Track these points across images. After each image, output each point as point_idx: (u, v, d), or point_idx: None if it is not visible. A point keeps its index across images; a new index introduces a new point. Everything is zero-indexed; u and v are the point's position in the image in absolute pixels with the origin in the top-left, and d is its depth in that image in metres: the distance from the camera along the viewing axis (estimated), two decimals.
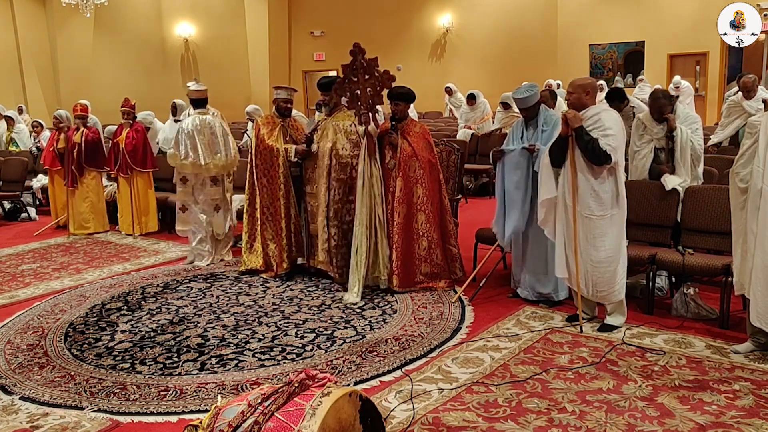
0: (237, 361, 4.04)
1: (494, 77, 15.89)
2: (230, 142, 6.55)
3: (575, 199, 4.20)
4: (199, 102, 6.53)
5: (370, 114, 5.15)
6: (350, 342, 4.29)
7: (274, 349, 4.21)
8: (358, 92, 5.11)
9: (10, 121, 10.97)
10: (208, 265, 6.34)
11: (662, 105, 4.93)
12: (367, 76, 5.10)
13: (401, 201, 5.17)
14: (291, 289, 5.45)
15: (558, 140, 4.26)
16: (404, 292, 5.19)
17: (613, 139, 4.08)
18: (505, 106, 9.91)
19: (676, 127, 4.87)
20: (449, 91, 13.38)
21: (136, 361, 4.09)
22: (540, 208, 4.46)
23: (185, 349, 4.25)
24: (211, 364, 4.01)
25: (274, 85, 7.03)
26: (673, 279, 4.96)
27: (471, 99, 10.76)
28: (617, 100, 5.97)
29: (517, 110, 8.64)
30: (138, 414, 3.43)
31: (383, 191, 5.19)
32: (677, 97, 5.58)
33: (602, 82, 14.67)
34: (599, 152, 4.05)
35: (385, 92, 5.17)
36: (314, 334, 4.44)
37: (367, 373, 3.80)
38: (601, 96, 13.05)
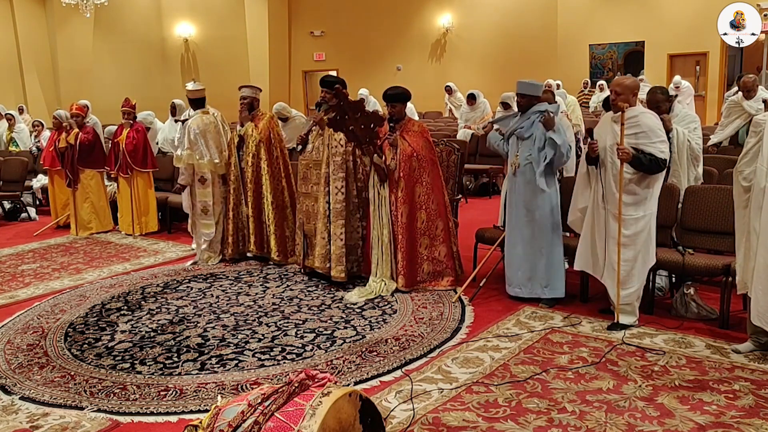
0: (237, 361, 4.04)
1: (494, 77, 15.88)
2: None
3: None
4: (197, 102, 6.53)
5: (371, 147, 5.14)
6: (350, 342, 4.29)
7: (274, 349, 4.21)
8: (353, 128, 5.08)
9: (11, 120, 10.96)
10: (216, 264, 6.37)
11: (659, 100, 4.92)
12: (358, 114, 5.05)
13: (403, 201, 5.18)
14: (291, 289, 5.45)
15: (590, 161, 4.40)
16: (409, 291, 5.20)
17: (663, 143, 4.18)
18: (505, 106, 9.86)
19: (672, 128, 4.86)
20: (449, 90, 13.36)
21: (136, 361, 4.09)
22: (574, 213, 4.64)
23: (185, 349, 4.26)
24: (211, 364, 4.01)
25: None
26: (673, 279, 4.96)
27: (471, 99, 10.75)
28: None
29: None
30: (138, 414, 3.43)
31: (389, 211, 5.22)
32: (675, 96, 5.55)
33: (602, 81, 14.71)
34: (659, 162, 4.16)
35: (386, 124, 5.23)
36: (314, 334, 4.44)
37: (367, 373, 3.80)
38: (601, 96, 13.14)
